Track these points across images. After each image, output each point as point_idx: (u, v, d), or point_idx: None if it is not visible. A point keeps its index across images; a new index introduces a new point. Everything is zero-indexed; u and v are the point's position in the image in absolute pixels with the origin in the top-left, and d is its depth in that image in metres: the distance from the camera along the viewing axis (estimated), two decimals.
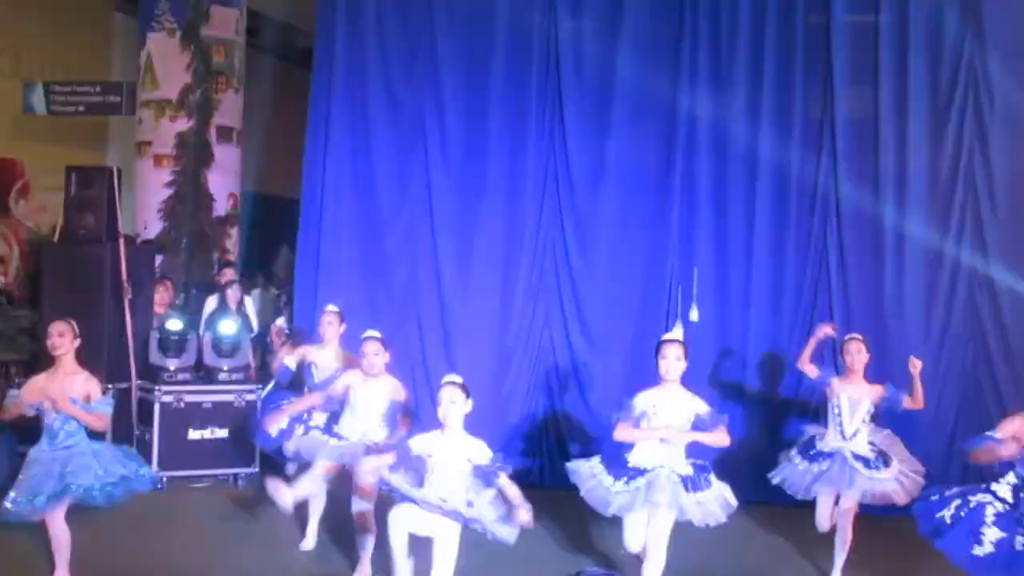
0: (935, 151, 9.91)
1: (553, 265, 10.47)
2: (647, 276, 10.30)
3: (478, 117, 10.52)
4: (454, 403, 6.10)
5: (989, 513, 6.20)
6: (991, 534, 6.10)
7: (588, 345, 10.27)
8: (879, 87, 9.94)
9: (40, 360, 9.99)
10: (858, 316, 9.79)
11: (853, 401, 7.57)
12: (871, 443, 7.58)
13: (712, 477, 6.77)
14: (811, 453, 7.65)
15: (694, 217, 10.24)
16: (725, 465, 7.41)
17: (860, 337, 7.75)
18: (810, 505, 7.69)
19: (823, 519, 7.64)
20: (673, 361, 6.79)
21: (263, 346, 10.93)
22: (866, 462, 7.39)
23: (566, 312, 10.40)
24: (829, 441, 7.61)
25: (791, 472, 7.70)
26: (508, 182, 10.49)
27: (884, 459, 7.47)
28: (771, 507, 8.67)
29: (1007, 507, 6.18)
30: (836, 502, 7.57)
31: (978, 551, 6.08)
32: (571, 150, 10.45)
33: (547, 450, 10.11)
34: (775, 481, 7.79)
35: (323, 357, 8.36)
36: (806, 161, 10.12)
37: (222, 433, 9.82)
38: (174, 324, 10.12)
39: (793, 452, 7.85)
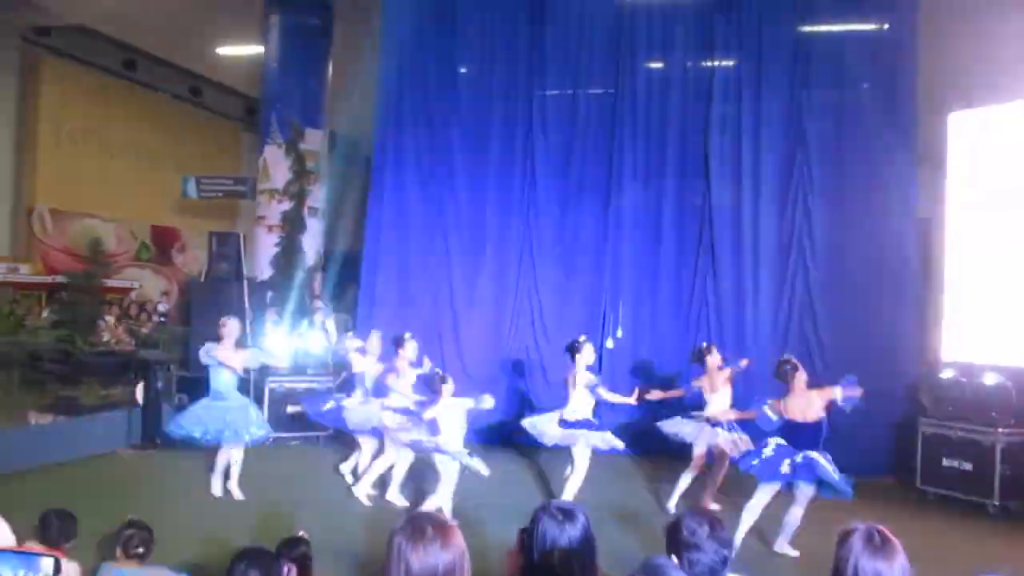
0: (779, 226, 9.84)
1: (527, 299, 10.48)
2: (588, 307, 10.29)
3: (479, 202, 10.59)
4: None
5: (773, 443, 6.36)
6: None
7: (548, 347, 10.24)
8: (741, 186, 9.93)
9: (189, 362, 10.22)
10: (729, 337, 9.79)
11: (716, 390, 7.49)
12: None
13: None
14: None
15: (619, 270, 10.24)
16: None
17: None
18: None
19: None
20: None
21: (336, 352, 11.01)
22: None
23: (536, 329, 10.40)
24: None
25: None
26: (497, 245, 10.54)
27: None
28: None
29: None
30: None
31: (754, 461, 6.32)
32: (540, 224, 10.50)
33: (515, 411, 9.69)
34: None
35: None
36: (691, 230, 10.13)
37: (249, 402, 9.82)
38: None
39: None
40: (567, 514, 2.41)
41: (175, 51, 16.31)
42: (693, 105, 10.14)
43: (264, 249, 13.04)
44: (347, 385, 9.63)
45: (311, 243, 13.25)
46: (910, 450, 8.48)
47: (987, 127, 8.63)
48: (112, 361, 11.67)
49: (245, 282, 10.45)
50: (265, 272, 12.89)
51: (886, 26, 9.70)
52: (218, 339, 7.44)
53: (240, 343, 7.75)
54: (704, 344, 7.97)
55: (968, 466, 7.91)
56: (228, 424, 7.28)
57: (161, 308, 14.65)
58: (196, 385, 9.58)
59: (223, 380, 7.45)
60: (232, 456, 7.46)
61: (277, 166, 13.04)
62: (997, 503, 7.70)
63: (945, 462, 8.08)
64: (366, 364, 7.97)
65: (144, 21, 14.13)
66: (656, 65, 10.41)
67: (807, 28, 9.95)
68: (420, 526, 2.09)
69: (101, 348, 12.10)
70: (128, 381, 10.15)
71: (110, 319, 13.23)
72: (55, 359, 11.20)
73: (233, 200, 16.14)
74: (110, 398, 9.93)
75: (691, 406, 7.83)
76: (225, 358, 7.38)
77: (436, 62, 10.81)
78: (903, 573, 2.20)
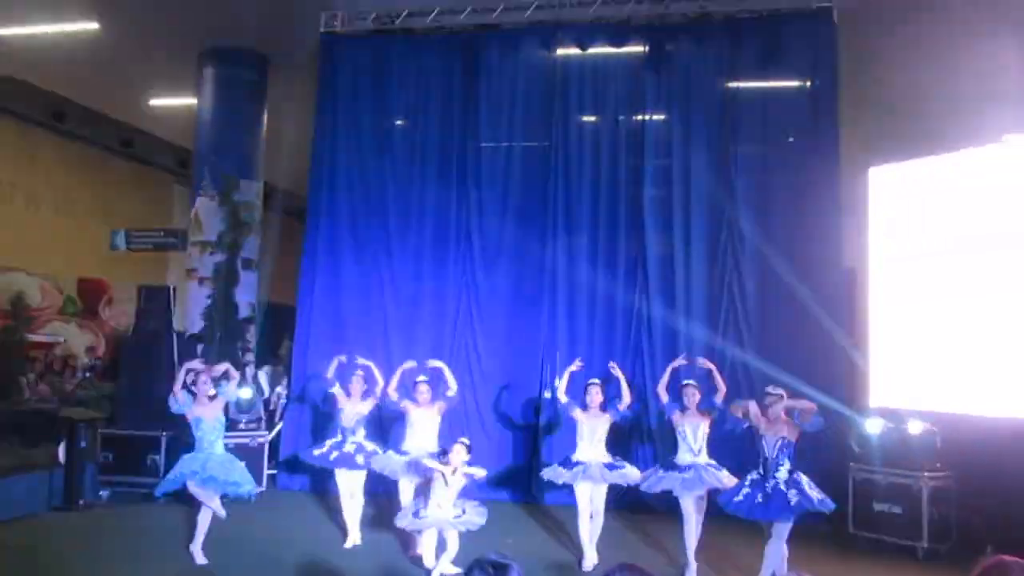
0: (710, 276, 10.01)
1: (465, 352, 10.39)
2: (526, 359, 10.29)
3: (415, 257, 10.61)
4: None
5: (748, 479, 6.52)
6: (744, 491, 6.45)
7: (486, 400, 10.25)
8: (673, 237, 10.11)
9: (115, 419, 9.93)
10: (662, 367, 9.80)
11: (694, 428, 7.25)
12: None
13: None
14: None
15: (555, 321, 10.26)
16: None
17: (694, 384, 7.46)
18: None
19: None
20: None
21: (268, 406, 10.83)
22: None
23: (475, 383, 10.30)
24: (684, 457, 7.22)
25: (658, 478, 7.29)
26: (434, 299, 10.55)
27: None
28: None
29: (759, 475, 6.45)
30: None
31: (736, 499, 6.45)
32: (477, 277, 10.52)
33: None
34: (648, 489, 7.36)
35: (349, 404, 8.10)
36: (627, 281, 10.21)
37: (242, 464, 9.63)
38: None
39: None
40: (500, 568, 2.38)
41: (106, 102, 16.07)
42: (626, 158, 10.33)
43: (195, 301, 12.80)
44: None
45: (244, 295, 13.05)
46: (842, 496, 8.60)
47: (906, 181, 8.97)
48: (35, 420, 11.24)
49: (175, 336, 10.20)
50: (196, 325, 12.64)
51: (808, 83, 10.05)
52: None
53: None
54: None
55: (898, 510, 8.08)
56: (206, 470, 6.98)
57: (87, 363, 14.22)
58: (123, 443, 9.35)
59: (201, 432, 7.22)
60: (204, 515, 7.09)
61: (210, 218, 12.85)
62: (926, 546, 7.86)
63: (876, 507, 8.23)
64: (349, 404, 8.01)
65: (74, 72, 13.91)
66: (589, 119, 10.61)
67: (733, 84, 10.25)
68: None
69: (22, 407, 11.66)
70: (51, 440, 9.78)
71: (32, 376, 12.79)
72: None
73: (163, 252, 15.82)
74: (31, 458, 9.57)
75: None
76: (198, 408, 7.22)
77: (371, 115, 10.92)
78: None
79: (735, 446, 8.23)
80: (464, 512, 6.61)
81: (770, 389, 6.83)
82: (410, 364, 8.27)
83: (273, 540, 7.76)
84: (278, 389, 11.00)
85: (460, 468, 6.60)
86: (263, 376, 11.34)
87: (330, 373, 8.22)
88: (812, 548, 7.21)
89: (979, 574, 2.68)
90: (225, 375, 7.58)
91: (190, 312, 12.60)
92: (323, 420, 9.58)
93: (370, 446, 8.03)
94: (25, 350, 13.72)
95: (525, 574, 2.46)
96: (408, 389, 8.07)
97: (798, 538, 6.51)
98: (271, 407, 10.85)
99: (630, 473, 7.51)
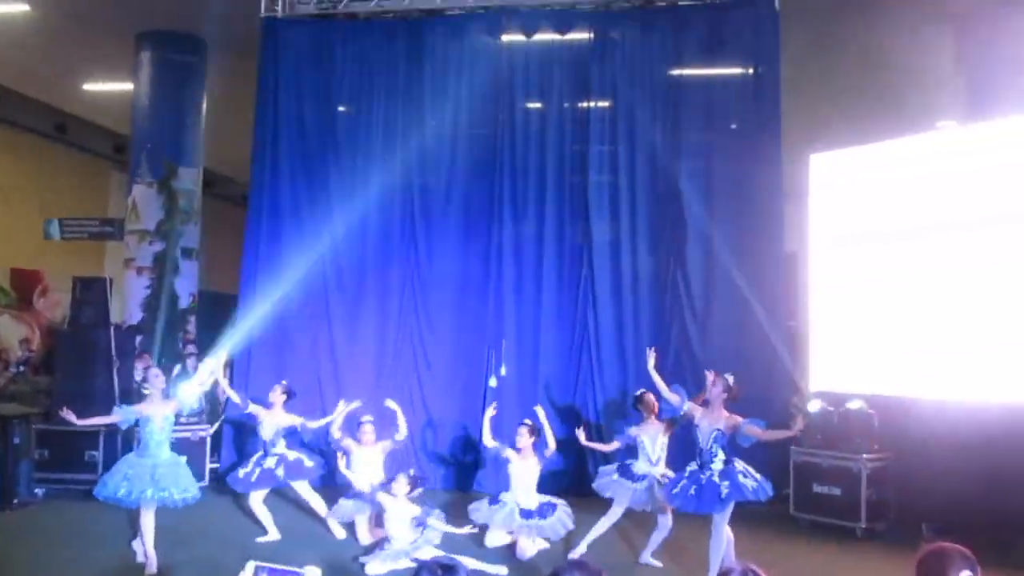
0: (655, 262, 10.08)
1: (409, 339, 10.37)
2: (471, 346, 10.26)
3: (359, 243, 10.47)
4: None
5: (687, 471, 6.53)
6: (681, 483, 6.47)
7: (432, 387, 10.27)
8: (619, 224, 10.13)
9: (51, 414, 9.66)
10: (610, 372, 9.99)
11: (651, 438, 7.19)
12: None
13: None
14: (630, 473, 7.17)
15: (501, 309, 10.25)
16: None
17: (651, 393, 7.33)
18: None
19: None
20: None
21: (212, 399, 10.64)
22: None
23: (419, 369, 10.32)
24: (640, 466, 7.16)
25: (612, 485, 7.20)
26: (378, 286, 10.46)
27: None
28: None
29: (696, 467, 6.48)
30: None
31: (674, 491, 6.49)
32: (421, 264, 10.47)
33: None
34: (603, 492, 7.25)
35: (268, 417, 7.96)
36: (572, 267, 10.25)
37: (181, 459, 9.42)
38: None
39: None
40: (447, 569, 2.37)
41: (39, 86, 15.61)
42: (571, 145, 10.34)
43: (134, 292, 12.55)
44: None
45: (184, 285, 12.82)
46: (783, 478, 8.76)
47: (846, 167, 9.12)
48: None
49: (112, 328, 9.96)
50: (135, 316, 12.39)
51: (751, 70, 10.13)
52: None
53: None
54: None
55: (837, 491, 8.24)
56: (155, 483, 6.63)
57: (21, 356, 13.82)
58: (58, 439, 9.10)
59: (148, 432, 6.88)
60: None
61: (148, 206, 12.62)
62: (864, 526, 8.05)
63: (816, 488, 8.40)
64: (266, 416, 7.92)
65: (4, 55, 13.49)
66: (534, 106, 10.58)
67: (677, 71, 10.32)
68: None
69: None
70: None
71: None
72: None
73: (100, 242, 15.47)
74: None
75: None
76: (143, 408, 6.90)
77: (314, 101, 10.74)
78: None
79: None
80: (423, 531, 6.75)
81: (708, 373, 6.81)
82: (355, 404, 8.08)
83: (218, 537, 7.62)
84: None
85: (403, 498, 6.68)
86: (204, 368, 11.12)
87: (336, 426, 7.98)
88: (753, 530, 7.31)
89: (920, 560, 2.74)
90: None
91: (128, 303, 12.37)
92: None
93: (292, 455, 7.91)
94: None
95: None
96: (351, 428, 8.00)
97: (739, 521, 6.59)
98: (214, 401, 10.65)
99: (550, 524, 7.30)
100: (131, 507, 6.75)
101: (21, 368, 13.07)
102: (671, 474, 6.92)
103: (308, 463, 7.98)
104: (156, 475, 6.65)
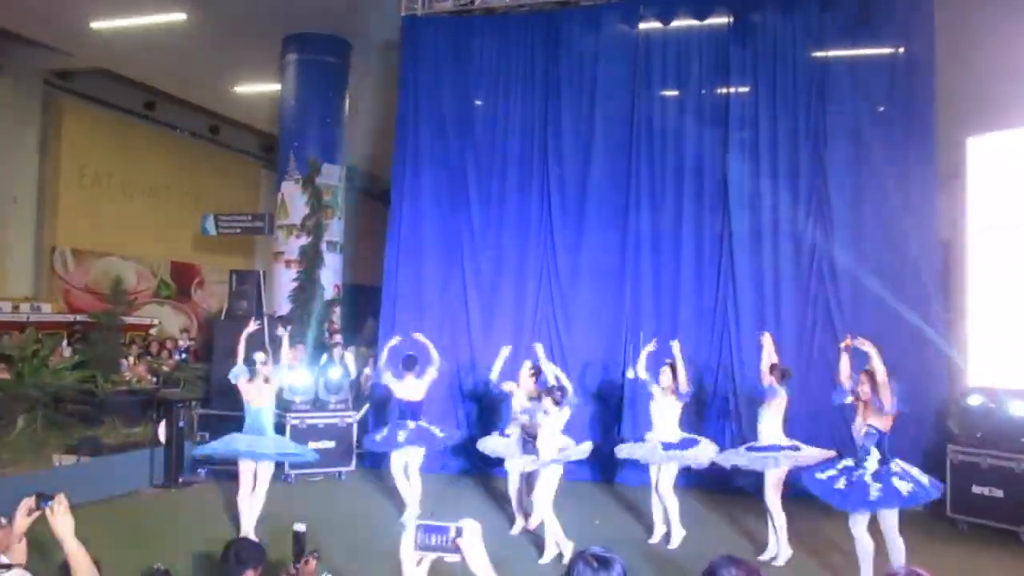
0: (798, 252, 9.71)
1: (547, 328, 10.37)
2: (608, 336, 10.21)
3: (496, 234, 10.61)
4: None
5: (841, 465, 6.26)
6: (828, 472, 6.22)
7: (569, 376, 10.22)
8: (760, 211, 9.86)
9: (210, 399, 10.24)
10: (752, 366, 9.62)
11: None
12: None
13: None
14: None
15: (639, 298, 10.13)
16: None
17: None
18: None
19: None
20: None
21: (357, 386, 11.02)
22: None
23: (555, 359, 10.12)
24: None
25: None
26: (516, 276, 10.54)
27: None
28: None
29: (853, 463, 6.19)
30: None
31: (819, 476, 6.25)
32: (559, 254, 10.46)
33: None
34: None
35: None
36: (711, 256, 10.04)
37: (330, 444, 9.81)
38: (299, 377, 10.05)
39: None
40: (603, 562, 2.36)
41: (193, 90, 16.52)
42: (710, 132, 10.12)
43: (282, 284, 13.10)
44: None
45: (329, 277, 13.29)
46: (939, 478, 8.34)
47: (1007, 150, 8.57)
48: (134, 400, 11.70)
49: (265, 319, 10.44)
50: (284, 307, 12.94)
51: (902, 49, 9.64)
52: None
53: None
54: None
55: (999, 493, 7.78)
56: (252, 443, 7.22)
57: (182, 345, 14.70)
58: (218, 423, 9.63)
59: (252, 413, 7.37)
60: (254, 492, 7.22)
61: (295, 202, 13.14)
62: None
63: (975, 489, 7.95)
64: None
65: (163, 63, 14.33)
66: (671, 92, 10.41)
67: (822, 53, 9.92)
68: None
69: (123, 387, 12.13)
70: (150, 420, 10.17)
71: (131, 358, 13.29)
72: (78, 399, 11.24)
73: (251, 236, 16.23)
74: (132, 437, 9.97)
75: None
76: (245, 391, 7.36)
77: (452, 96, 10.91)
78: None
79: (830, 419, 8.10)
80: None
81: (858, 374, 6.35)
82: (395, 340, 8.51)
83: (362, 517, 7.91)
84: (365, 370, 11.16)
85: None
86: (349, 357, 11.52)
87: (382, 361, 8.34)
88: (909, 533, 6.99)
89: None
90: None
91: (277, 295, 12.91)
92: None
93: (411, 424, 8.07)
94: (123, 332, 14.23)
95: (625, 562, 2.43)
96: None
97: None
98: (359, 388, 11.03)
99: (701, 453, 7.44)
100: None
101: (183, 356, 13.90)
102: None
103: (439, 433, 8.19)
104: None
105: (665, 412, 7.55)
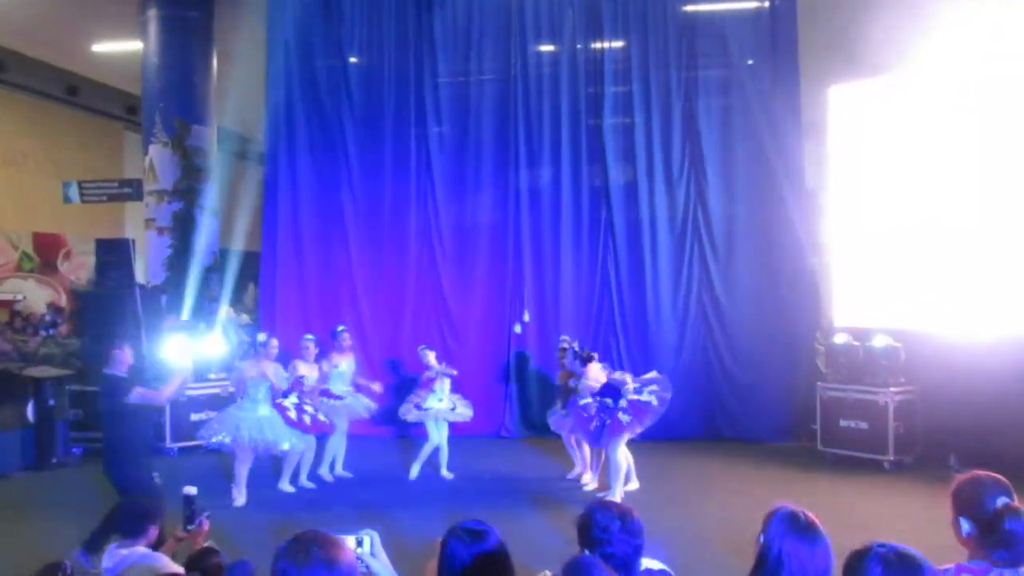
0: (673, 203, 10.00)
1: (430, 288, 10.41)
2: (492, 293, 10.30)
3: (377, 194, 10.46)
4: None
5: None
6: None
7: (451, 336, 10.31)
8: (636, 165, 10.06)
9: (84, 376, 9.77)
10: (632, 314, 10.04)
11: None
12: None
13: None
14: None
15: (521, 255, 10.25)
16: None
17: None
18: None
19: None
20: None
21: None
22: None
23: (440, 318, 10.38)
24: None
25: None
26: (397, 235, 10.43)
27: None
28: None
29: None
30: None
31: None
32: (440, 212, 10.42)
33: None
34: None
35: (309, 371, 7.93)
36: (591, 210, 10.22)
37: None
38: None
39: None
40: (476, 535, 2.36)
41: (48, 50, 15.49)
42: (586, 88, 10.23)
43: (156, 253, 12.57)
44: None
45: (205, 243, 12.81)
46: (810, 414, 8.79)
47: (866, 99, 8.93)
48: None
49: (138, 289, 10.01)
50: (159, 276, 12.43)
51: (766, 2, 9.92)
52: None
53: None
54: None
55: (864, 425, 8.25)
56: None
57: (49, 319, 13.95)
58: (93, 400, 9.19)
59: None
60: None
61: (164, 166, 12.54)
62: (892, 459, 8.06)
63: (843, 423, 8.41)
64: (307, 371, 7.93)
65: (12, 20, 13.36)
66: (547, 48, 10.43)
67: (691, 8, 10.11)
68: (305, 547, 2.00)
69: None
70: (17, 400, 9.62)
71: None
72: None
73: (119, 203, 15.47)
74: None
75: None
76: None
77: (325, 54, 10.63)
78: (826, 555, 2.20)
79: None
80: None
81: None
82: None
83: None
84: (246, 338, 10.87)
85: None
86: (230, 325, 11.18)
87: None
88: (782, 465, 7.36)
89: (956, 489, 2.70)
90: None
91: (151, 263, 12.39)
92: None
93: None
94: None
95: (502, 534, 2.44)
96: None
97: (767, 456, 6.62)
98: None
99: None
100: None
101: (50, 331, 13.20)
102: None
103: None
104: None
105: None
